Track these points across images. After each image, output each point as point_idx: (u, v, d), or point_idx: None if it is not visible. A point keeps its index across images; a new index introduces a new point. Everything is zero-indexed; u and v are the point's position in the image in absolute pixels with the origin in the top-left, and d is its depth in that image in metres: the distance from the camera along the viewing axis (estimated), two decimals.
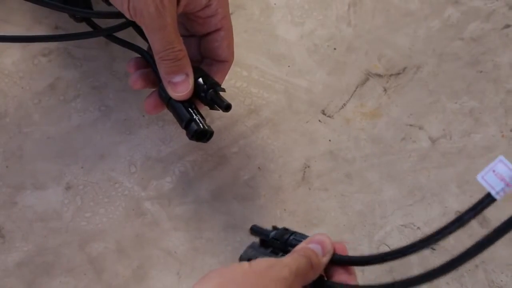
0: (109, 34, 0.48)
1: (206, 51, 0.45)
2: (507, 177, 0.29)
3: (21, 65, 0.51)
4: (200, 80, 0.42)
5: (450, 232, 0.31)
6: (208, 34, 0.44)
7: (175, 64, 0.41)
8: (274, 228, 0.37)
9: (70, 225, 0.46)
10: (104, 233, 0.46)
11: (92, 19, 0.48)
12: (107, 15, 0.46)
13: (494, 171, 0.29)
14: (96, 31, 0.48)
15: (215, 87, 0.42)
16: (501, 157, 0.29)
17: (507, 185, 0.29)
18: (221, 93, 0.42)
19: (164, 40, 0.41)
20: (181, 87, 0.42)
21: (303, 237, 0.37)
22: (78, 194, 0.47)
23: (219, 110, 0.42)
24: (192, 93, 0.42)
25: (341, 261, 0.36)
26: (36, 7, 0.47)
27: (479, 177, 0.29)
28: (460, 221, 0.30)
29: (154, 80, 0.44)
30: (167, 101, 0.42)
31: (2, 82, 0.51)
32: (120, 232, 0.46)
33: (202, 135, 0.42)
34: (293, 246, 0.36)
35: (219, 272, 0.32)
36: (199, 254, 0.46)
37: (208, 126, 0.42)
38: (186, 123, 0.41)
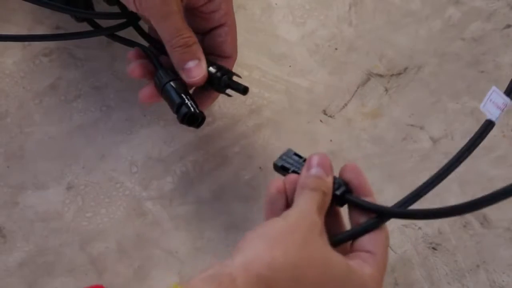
0: (111, 33, 0.48)
1: (210, 47, 0.45)
2: (502, 104, 0.36)
3: (22, 65, 0.51)
4: (211, 68, 0.43)
5: (461, 162, 0.38)
6: (212, 30, 0.44)
7: (186, 50, 0.42)
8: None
9: (71, 225, 0.46)
10: (105, 233, 0.46)
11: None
12: (108, 15, 0.46)
13: (491, 100, 0.36)
14: (97, 30, 0.48)
15: (229, 73, 0.43)
16: (494, 88, 0.35)
17: (501, 110, 0.36)
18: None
19: (172, 28, 0.41)
20: (194, 72, 0.42)
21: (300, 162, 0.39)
22: (79, 194, 0.47)
23: (231, 96, 0.43)
24: (206, 77, 0.43)
25: (357, 205, 0.37)
26: (37, 7, 0.47)
27: (481, 107, 0.36)
28: (469, 150, 0.38)
29: (152, 71, 0.44)
30: (161, 88, 0.43)
31: (3, 82, 0.51)
32: (121, 232, 0.46)
33: (193, 119, 0.42)
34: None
35: (259, 233, 0.33)
36: (200, 254, 0.46)
37: (200, 111, 0.42)
38: (177, 107, 0.42)
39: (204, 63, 0.43)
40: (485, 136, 0.37)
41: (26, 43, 0.52)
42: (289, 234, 0.32)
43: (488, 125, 0.37)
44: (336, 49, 0.53)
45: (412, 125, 0.50)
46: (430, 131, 0.50)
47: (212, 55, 0.45)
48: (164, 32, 0.42)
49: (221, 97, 0.48)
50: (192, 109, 0.41)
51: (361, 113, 0.50)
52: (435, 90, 0.51)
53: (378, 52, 0.53)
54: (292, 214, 0.34)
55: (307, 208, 0.34)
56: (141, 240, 0.46)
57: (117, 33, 0.48)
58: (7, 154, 0.48)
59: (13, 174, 0.48)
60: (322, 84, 0.52)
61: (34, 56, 0.52)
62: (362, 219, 0.36)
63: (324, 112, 0.51)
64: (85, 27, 0.48)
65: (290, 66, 0.52)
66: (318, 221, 0.34)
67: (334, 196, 0.36)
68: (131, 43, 0.47)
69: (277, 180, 0.37)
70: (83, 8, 0.47)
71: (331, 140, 0.50)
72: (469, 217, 0.47)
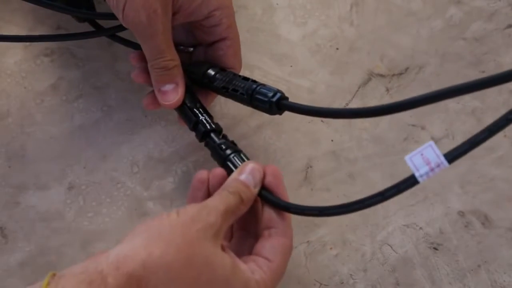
0: (112, 34, 0.48)
1: (212, 59, 0.45)
2: (433, 162, 0.29)
3: (23, 65, 0.51)
4: (210, 70, 0.44)
5: (371, 205, 0.33)
6: (214, 43, 0.44)
7: (165, 73, 0.42)
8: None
9: (72, 225, 0.47)
10: (107, 233, 0.46)
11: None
12: (109, 16, 0.46)
13: (422, 154, 0.30)
14: (98, 31, 0.48)
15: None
16: (431, 142, 0.30)
17: (431, 169, 0.29)
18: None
19: (155, 49, 0.41)
20: (169, 96, 0.42)
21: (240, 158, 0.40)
22: (80, 194, 0.47)
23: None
24: (180, 102, 0.43)
25: (270, 202, 0.38)
26: (38, 8, 0.47)
27: (407, 158, 0.30)
28: (382, 196, 0.33)
29: None
30: None
31: (4, 82, 0.51)
32: (123, 232, 0.46)
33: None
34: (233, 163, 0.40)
35: (146, 227, 0.32)
36: None
37: (216, 124, 0.42)
38: (193, 125, 0.42)
39: (181, 88, 0.43)
40: (404, 190, 0.32)
41: (27, 43, 0.52)
42: (175, 232, 0.31)
43: (410, 179, 0.31)
44: (337, 49, 0.53)
45: (413, 125, 0.50)
46: (432, 131, 0.50)
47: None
48: (146, 51, 0.42)
49: (222, 98, 0.48)
50: (209, 126, 0.42)
51: None
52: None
53: (380, 52, 0.53)
54: (189, 210, 0.33)
55: (211, 208, 0.34)
56: None
57: (118, 33, 0.48)
58: (8, 154, 0.49)
59: (14, 174, 0.48)
60: (323, 84, 0.52)
61: (35, 56, 0.52)
62: (273, 214, 0.38)
63: None
64: (86, 27, 0.48)
65: (291, 66, 0.52)
66: (216, 223, 0.33)
67: None
68: (132, 44, 0.47)
69: (203, 172, 0.39)
70: (84, 9, 0.47)
71: (332, 140, 0.50)
72: (470, 217, 0.47)
